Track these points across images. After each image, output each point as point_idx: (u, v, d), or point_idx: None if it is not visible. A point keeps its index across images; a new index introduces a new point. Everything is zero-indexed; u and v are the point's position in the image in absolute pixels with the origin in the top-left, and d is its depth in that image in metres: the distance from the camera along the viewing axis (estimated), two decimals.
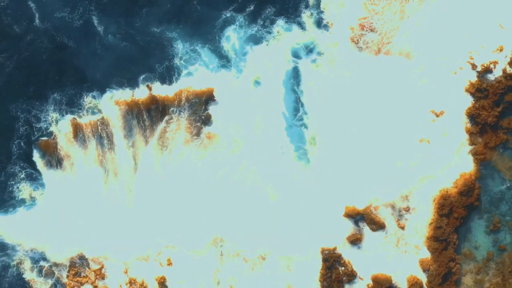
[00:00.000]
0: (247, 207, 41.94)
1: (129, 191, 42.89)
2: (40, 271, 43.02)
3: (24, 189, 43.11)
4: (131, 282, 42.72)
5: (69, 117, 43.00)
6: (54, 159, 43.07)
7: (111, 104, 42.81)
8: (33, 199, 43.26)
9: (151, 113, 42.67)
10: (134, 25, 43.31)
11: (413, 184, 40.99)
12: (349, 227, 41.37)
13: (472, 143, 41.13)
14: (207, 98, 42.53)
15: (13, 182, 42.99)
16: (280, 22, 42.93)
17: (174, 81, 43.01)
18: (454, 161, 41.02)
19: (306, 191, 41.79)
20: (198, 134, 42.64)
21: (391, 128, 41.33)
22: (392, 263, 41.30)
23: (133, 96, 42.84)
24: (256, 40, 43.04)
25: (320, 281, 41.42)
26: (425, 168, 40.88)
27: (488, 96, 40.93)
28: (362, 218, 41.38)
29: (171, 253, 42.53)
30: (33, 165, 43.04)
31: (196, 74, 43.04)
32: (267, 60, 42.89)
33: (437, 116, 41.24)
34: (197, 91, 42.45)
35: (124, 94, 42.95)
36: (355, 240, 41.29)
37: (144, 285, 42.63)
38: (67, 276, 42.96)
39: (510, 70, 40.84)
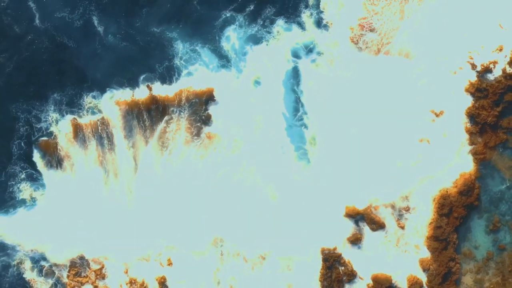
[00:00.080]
0: (247, 207, 41.94)
1: (129, 192, 42.90)
2: (40, 271, 43.06)
3: (24, 190, 43.13)
4: (132, 282, 42.75)
5: (69, 117, 43.03)
6: (55, 160, 43.08)
7: (111, 104, 42.83)
8: (33, 199, 43.28)
9: (151, 113, 42.68)
10: (134, 25, 43.31)
11: (413, 184, 41.01)
12: (349, 227, 41.39)
13: (472, 142, 41.16)
14: (207, 98, 42.55)
15: (13, 183, 43.03)
16: (280, 22, 42.94)
17: (174, 81, 43.02)
18: (454, 160, 41.04)
19: (306, 191, 41.81)
20: (198, 134, 42.66)
21: (391, 128, 41.34)
22: (392, 263, 41.33)
23: (133, 96, 42.84)
24: (256, 40, 43.05)
25: (320, 280, 41.46)
26: (425, 168, 40.91)
27: (487, 96, 40.96)
28: (362, 218, 41.41)
29: (171, 253, 42.57)
30: (33, 165, 43.07)
31: (196, 74, 43.05)
32: (267, 60, 42.90)
33: (437, 116, 41.27)
34: (197, 91, 42.45)
35: (124, 94, 42.96)
36: (355, 240, 41.32)
37: (145, 285, 42.66)
38: (68, 276, 42.99)
39: (509, 70, 40.86)
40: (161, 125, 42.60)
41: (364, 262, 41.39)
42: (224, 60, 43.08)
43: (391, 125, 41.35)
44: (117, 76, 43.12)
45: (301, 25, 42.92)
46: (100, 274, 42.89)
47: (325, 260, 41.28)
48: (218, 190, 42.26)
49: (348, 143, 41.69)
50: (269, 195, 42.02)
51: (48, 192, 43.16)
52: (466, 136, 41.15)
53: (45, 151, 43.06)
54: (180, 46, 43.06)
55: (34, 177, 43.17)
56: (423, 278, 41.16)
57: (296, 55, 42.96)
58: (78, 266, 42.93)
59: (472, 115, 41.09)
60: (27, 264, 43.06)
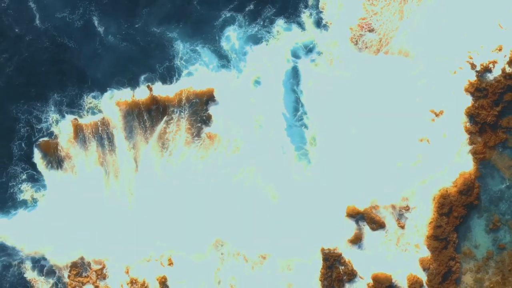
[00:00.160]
0: (248, 207, 41.97)
1: (130, 194, 42.89)
2: (41, 271, 43.09)
3: (25, 191, 43.12)
4: (132, 282, 42.78)
5: (69, 117, 43.03)
6: (55, 160, 43.08)
7: (111, 104, 42.82)
8: (34, 200, 43.30)
9: (152, 114, 42.68)
10: (135, 26, 43.32)
11: (413, 183, 41.06)
12: (350, 228, 41.43)
13: (471, 142, 41.21)
14: (208, 98, 42.56)
15: (14, 183, 43.03)
16: (280, 22, 42.97)
17: (175, 81, 43.04)
18: (453, 160, 41.10)
19: (306, 192, 41.83)
20: (198, 134, 42.68)
21: (391, 128, 41.38)
22: (392, 262, 41.40)
23: (133, 96, 42.83)
24: (256, 40, 43.08)
25: (320, 280, 41.51)
26: (425, 168, 40.96)
27: (487, 95, 41.01)
28: (362, 217, 41.46)
29: (172, 253, 42.59)
30: (34, 166, 43.06)
31: (196, 74, 43.08)
32: (267, 60, 42.93)
33: (437, 115, 41.32)
34: (197, 91, 42.47)
35: (124, 94, 42.94)
36: (355, 239, 41.39)
37: (145, 285, 42.69)
38: (69, 276, 42.99)
39: (509, 70, 40.90)
40: (160, 125, 42.59)
41: (364, 261, 41.44)
42: (224, 60, 43.11)
43: (391, 125, 41.39)
44: (118, 76, 43.13)
45: (300, 25, 42.96)
46: (101, 274, 42.92)
47: (325, 259, 41.32)
48: (218, 190, 42.27)
49: (348, 143, 41.73)
50: (269, 196, 42.04)
51: (49, 193, 43.18)
52: (466, 135, 41.20)
53: (46, 151, 43.05)
54: (180, 46, 43.08)
55: (35, 178, 43.16)
56: (423, 277, 41.23)
57: (295, 55, 43.01)
58: (79, 266, 42.96)
59: (471, 115, 41.15)
60: (28, 264, 43.06)
